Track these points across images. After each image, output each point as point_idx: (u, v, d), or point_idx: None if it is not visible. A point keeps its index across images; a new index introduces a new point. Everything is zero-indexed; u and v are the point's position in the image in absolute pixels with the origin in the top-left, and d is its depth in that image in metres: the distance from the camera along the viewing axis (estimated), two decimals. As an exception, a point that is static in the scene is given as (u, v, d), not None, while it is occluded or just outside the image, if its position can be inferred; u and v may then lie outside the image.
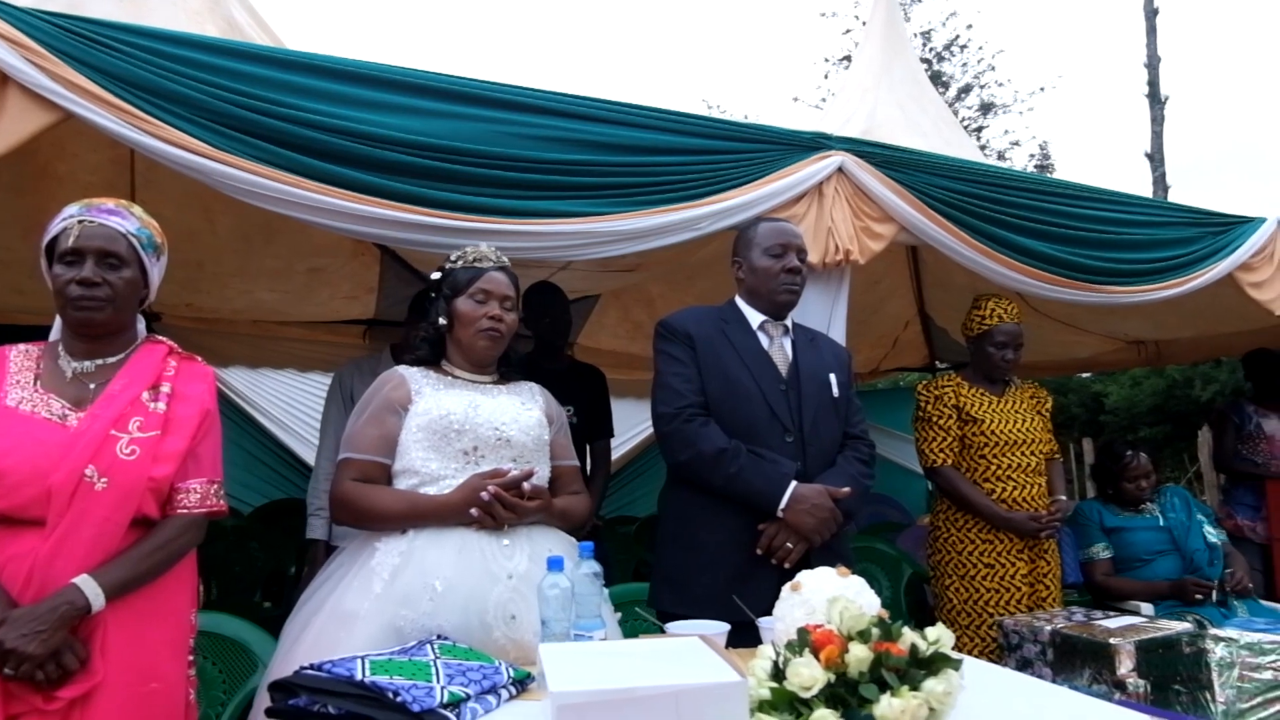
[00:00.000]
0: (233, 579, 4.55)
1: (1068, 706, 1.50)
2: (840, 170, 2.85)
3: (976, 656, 2.92)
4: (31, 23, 2.01)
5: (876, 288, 5.28)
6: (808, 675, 1.26)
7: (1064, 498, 3.14)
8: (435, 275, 2.01)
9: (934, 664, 1.32)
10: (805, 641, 1.32)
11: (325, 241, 4.27)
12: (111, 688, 1.46)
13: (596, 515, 3.54)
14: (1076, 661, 2.42)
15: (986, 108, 17.77)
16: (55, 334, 1.68)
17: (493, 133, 2.41)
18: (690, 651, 1.37)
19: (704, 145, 2.69)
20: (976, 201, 3.04)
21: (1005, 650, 2.67)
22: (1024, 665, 2.57)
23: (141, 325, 1.74)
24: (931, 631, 1.40)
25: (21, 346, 1.64)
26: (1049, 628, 2.53)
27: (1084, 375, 11.06)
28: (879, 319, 5.72)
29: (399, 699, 1.29)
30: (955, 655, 1.34)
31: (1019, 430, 3.06)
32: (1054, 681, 2.46)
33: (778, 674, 1.31)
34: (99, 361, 1.63)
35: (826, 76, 18.41)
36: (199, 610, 1.72)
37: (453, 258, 1.99)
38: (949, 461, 3.06)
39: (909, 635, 1.35)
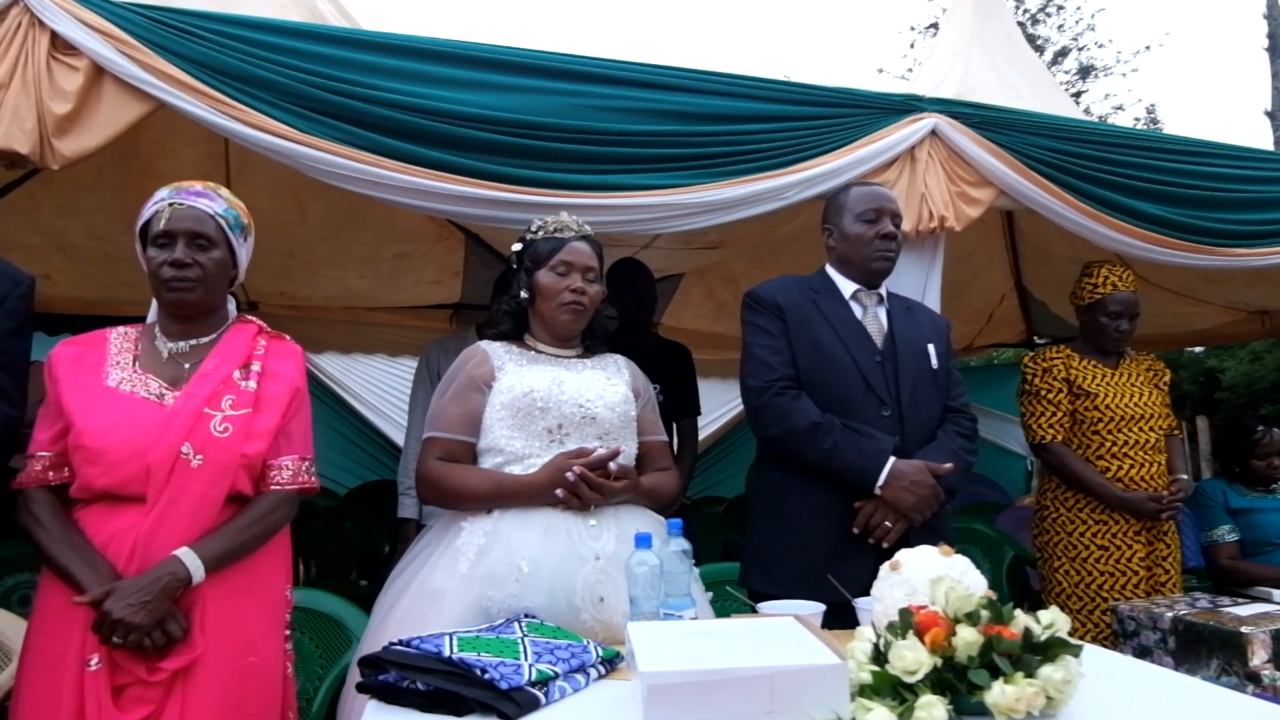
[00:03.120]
0: (330, 558, 4.69)
1: (1201, 699, 1.38)
2: (934, 133, 2.71)
3: (1089, 642, 2.78)
4: (124, 15, 2.06)
5: (970, 260, 5.06)
6: (912, 659, 1.18)
7: (1185, 476, 2.94)
8: (516, 247, 1.97)
9: (1050, 649, 1.23)
10: (908, 623, 1.24)
11: (410, 227, 4.35)
12: (212, 660, 1.49)
13: (684, 495, 3.50)
14: (1202, 651, 2.25)
15: (1086, 71, 16.89)
16: (152, 316, 1.72)
17: (571, 106, 2.38)
18: (785, 632, 1.30)
19: (788, 111, 2.59)
20: (1081, 161, 2.85)
21: (1120, 637, 2.51)
22: (1141, 653, 2.41)
23: (232, 305, 1.76)
24: (1045, 615, 1.30)
25: (120, 329, 1.68)
26: (1170, 614, 2.36)
27: (1197, 350, 10.45)
28: (972, 293, 5.49)
29: (487, 676, 1.27)
30: (1074, 640, 1.24)
31: (1136, 405, 2.87)
32: (1176, 671, 2.30)
33: (879, 657, 1.24)
34: (193, 341, 1.66)
35: (913, 46, 17.81)
36: (296, 587, 1.75)
37: (533, 228, 1.95)
38: (1059, 437, 2.89)
39: (1022, 618, 1.25)
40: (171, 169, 3.62)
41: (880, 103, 2.70)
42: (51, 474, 1.57)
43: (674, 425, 3.37)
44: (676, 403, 3.32)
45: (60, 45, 2.01)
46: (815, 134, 2.60)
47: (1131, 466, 2.83)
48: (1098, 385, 2.89)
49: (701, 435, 6.05)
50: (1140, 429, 2.86)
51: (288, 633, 1.70)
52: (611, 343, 2.10)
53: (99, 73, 2.05)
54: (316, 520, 4.87)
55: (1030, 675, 1.17)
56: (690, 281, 5.32)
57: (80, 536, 1.51)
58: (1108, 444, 2.86)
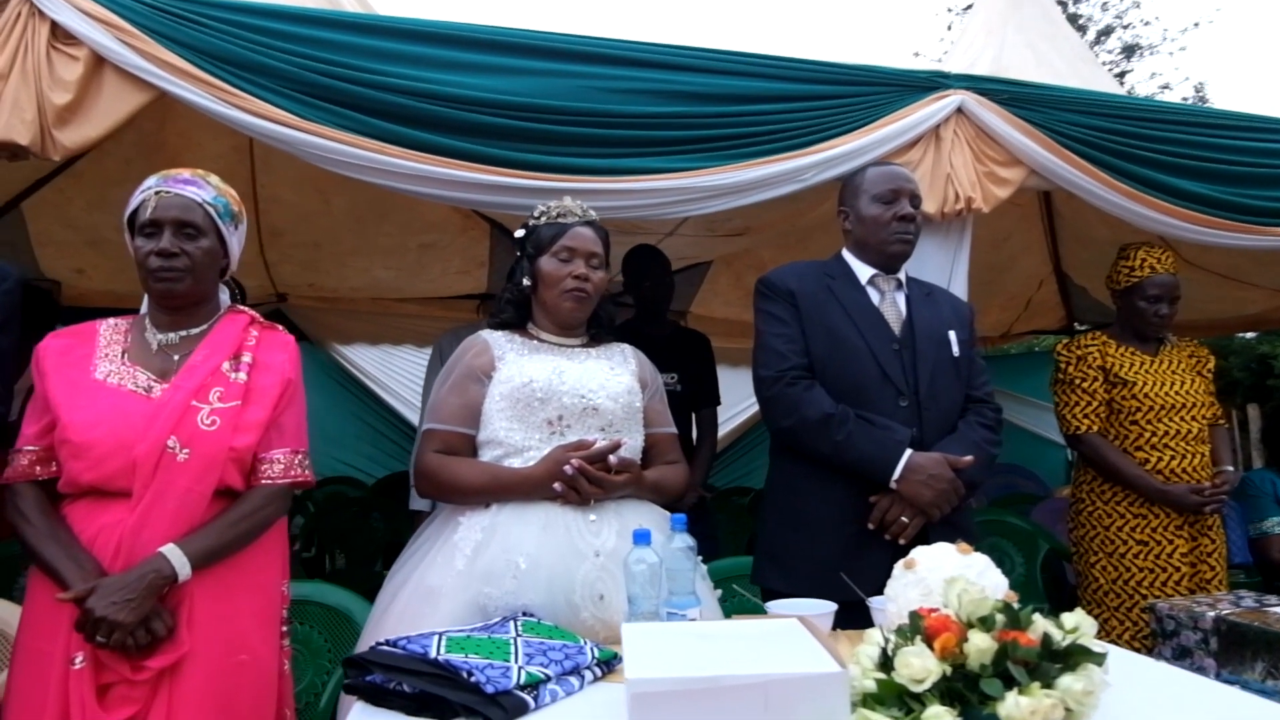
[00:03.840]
0: (356, 549, 4.70)
1: (1237, 710, 1.28)
2: (960, 110, 2.60)
3: (1126, 642, 2.67)
4: (124, 3, 2.04)
5: (1006, 244, 4.93)
6: (919, 666, 1.10)
7: (1230, 468, 2.80)
8: (519, 233, 1.91)
9: (1071, 657, 1.14)
10: (917, 627, 1.16)
11: (435, 218, 4.34)
12: (200, 658, 1.46)
13: (705, 487, 3.42)
14: (1247, 654, 2.13)
15: (1130, 50, 16.37)
16: (145, 307, 1.69)
17: (580, 88, 2.31)
18: (787, 635, 1.23)
19: (806, 90, 2.50)
20: (1119, 138, 2.72)
21: (1160, 637, 2.39)
22: (1182, 655, 2.30)
23: (225, 296, 1.73)
24: (1069, 618, 1.21)
25: (111, 321, 1.65)
26: (1212, 613, 2.24)
27: (1248, 335, 10.11)
28: (1009, 278, 5.34)
29: (473, 679, 1.21)
30: (1098, 647, 1.16)
31: (1177, 393, 2.74)
32: (1218, 674, 2.19)
33: (886, 663, 1.16)
34: (183, 333, 1.63)
35: (950, 28, 17.41)
36: (304, 580, 1.70)
37: (536, 213, 1.89)
38: (1094, 428, 2.77)
39: (1040, 623, 1.17)
40: (198, 162, 3.61)
41: (903, 80, 2.60)
42: (39, 469, 1.54)
43: (693, 416, 3.30)
44: (695, 393, 3.24)
45: (60, 35, 1.99)
46: (834, 113, 2.50)
47: (1172, 458, 2.71)
48: (1136, 373, 2.76)
49: (731, 425, 6.04)
50: (1182, 418, 2.73)
51: (285, 629, 1.66)
52: (627, 331, 2.03)
53: (99, 62, 2.03)
54: (344, 511, 4.89)
55: (1048, 685, 1.09)
56: (718, 269, 5.26)
57: (67, 532, 1.48)
58: (1147, 434, 2.73)
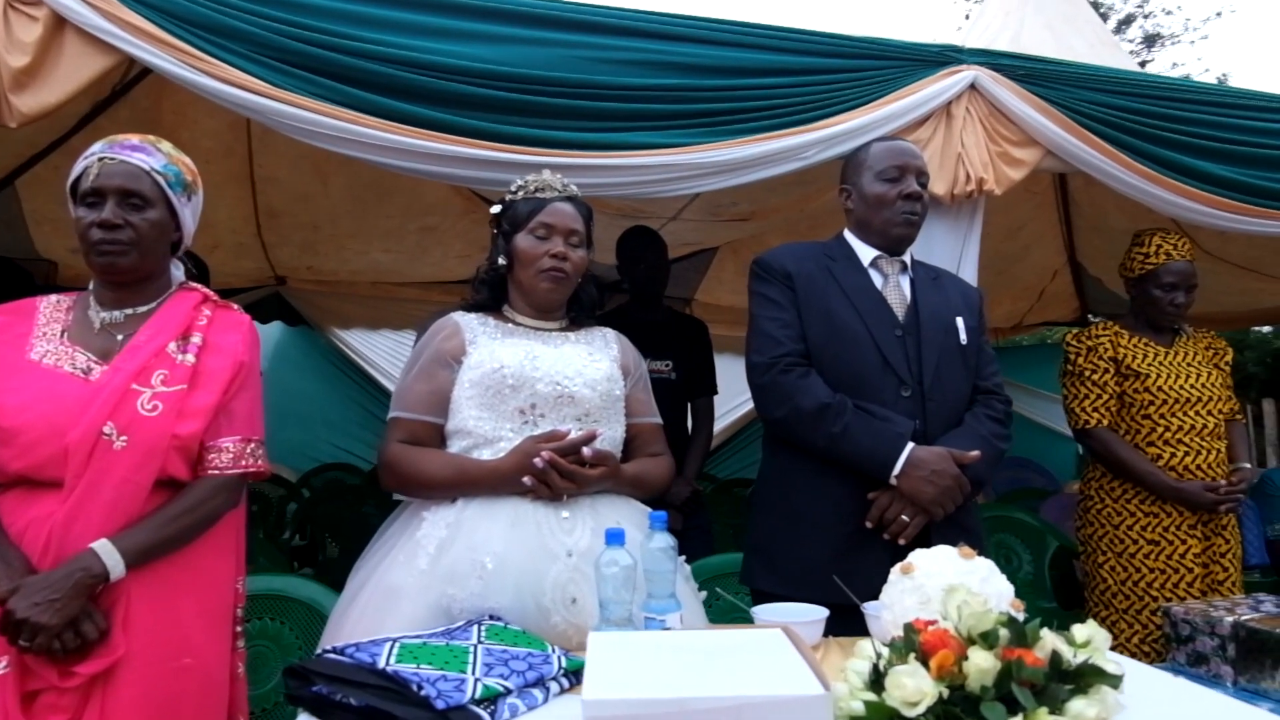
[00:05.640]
0: (349, 538, 4.61)
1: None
2: (973, 87, 2.47)
3: (1135, 646, 2.55)
4: (86, -38, 1.92)
5: (1020, 234, 4.81)
6: (913, 687, 0.99)
7: (1248, 465, 2.67)
8: (495, 209, 1.79)
9: (1083, 678, 1.02)
10: (912, 643, 1.05)
11: (435, 200, 4.25)
12: (136, 663, 1.35)
13: (700, 479, 3.31)
14: (1267, 662, 2.01)
15: (1151, 39, 16.10)
16: (92, 284, 1.57)
17: (570, 58, 2.20)
18: (768, 648, 1.12)
19: (809, 64, 2.38)
20: (1140, 118, 2.58)
21: (1174, 642, 2.27)
22: (1197, 661, 2.18)
23: (178, 272, 1.61)
24: (1080, 630, 1.10)
25: (53, 297, 1.54)
26: (1230, 618, 2.12)
27: (1263, 329, 9.93)
28: (1022, 268, 5.23)
29: (423, 692, 1.11)
30: (1113, 666, 1.04)
31: (1192, 387, 2.60)
32: (1236, 683, 2.07)
33: (877, 681, 1.05)
34: (128, 311, 1.51)
35: (967, 17, 17.15)
36: (282, 572, 1.59)
37: (513, 188, 1.77)
38: (1104, 422, 2.64)
39: (1049, 639, 1.05)
40: (194, 139, 3.54)
41: (913, 54, 2.47)
42: (-34, 457, 1.43)
43: (688, 405, 3.18)
44: (691, 381, 3.11)
45: (17, -7, 1.89)
46: (839, 88, 2.38)
47: (1186, 454, 2.58)
48: (1149, 365, 2.63)
49: (733, 415, 5.93)
50: (1197, 413, 2.60)
51: (239, 629, 1.56)
52: (621, 317, 1.92)
53: (59, 23, 1.93)
54: (339, 499, 4.80)
55: (1056, 711, 0.97)
56: (724, 256, 5.19)
57: None
58: (1160, 429, 2.60)
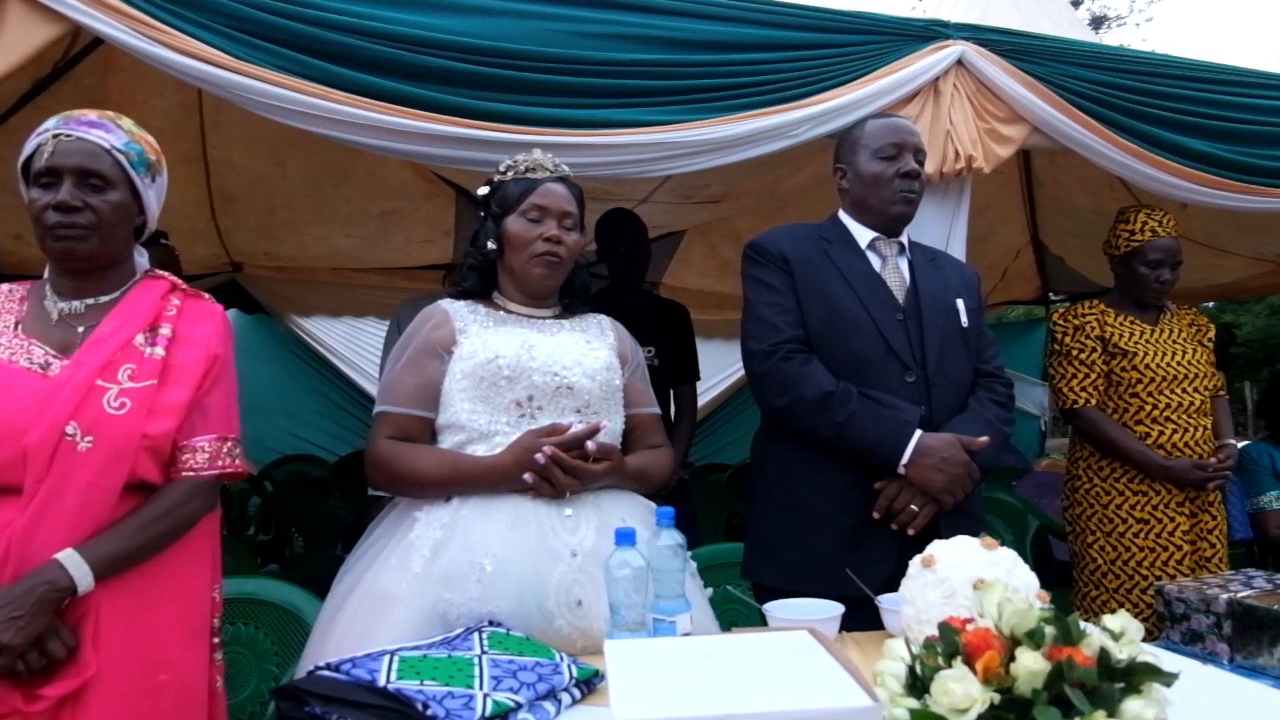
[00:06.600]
0: (316, 532, 4.48)
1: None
2: (960, 63, 2.43)
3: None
4: (28, -76, 1.77)
5: (985, 213, 4.79)
6: (962, 694, 0.92)
7: (1232, 441, 2.68)
8: (482, 191, 1.70)
9: (1134, 676, 0.97)
10: (954, 645, 0.99)
11: (397, 183, 4.13)
12: (109, 682, 1.24)
13: (683, 466, 3.24)
14: (1264, 638, 2.00)
15: (1098, 21, 16.38)
16: (47, 272, 1.45)
17: (549, 31, 2.11)
18: (798, 653, 1.05)
19: (796, 39, 2.31)
20: (1124, 94, 2.56)
21: (1167, 621, 2.27)
22: (1192, 639, 2.17)
23: (143, 259, 1.49)
24: (1112, 621, 1.04)
25: (6, 286, 1.41)
26: (1225, 595, 2.11)
27: (1209, 305, 10.15)
28: (988, 247, 5.24)
29: (429, 712, 1.03)
30: (1163, 663, 0.99)
31: (1179, 364, 2.60)
32: (1233, 659, 2.06)
33: (916, 685, 0.99)
34: (89, 301, 1.39)
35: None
36: (254, 572, 1.49)
37: (502, 168, 1.68)
38: (1092, 401, 2.63)
39: (1095, 636, 1.00)
40: (143, 119, 3.33)
41: (900, 29, 2.41)
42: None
43: (670, 392, 3.11)
44: (673, 367, 3.05)
45: (-46, -42, 1.74)
46: (826, 64, 2.31)
47: (1175, 431, 2.58)
48: (1136, 343, 2.62)
49: (704, 399, 5.87)
50: (1184, 390, 2.60)
51: (216, 640, 1.45)
52: (599, 302, 1.83)
53: (0, -10, 1.78)
54: (305, 491, 4.66)
55: (1112, 714, 0.92)
56: (692, 239, 5.13)
57: None
58: (1148, 407, 2.60)
